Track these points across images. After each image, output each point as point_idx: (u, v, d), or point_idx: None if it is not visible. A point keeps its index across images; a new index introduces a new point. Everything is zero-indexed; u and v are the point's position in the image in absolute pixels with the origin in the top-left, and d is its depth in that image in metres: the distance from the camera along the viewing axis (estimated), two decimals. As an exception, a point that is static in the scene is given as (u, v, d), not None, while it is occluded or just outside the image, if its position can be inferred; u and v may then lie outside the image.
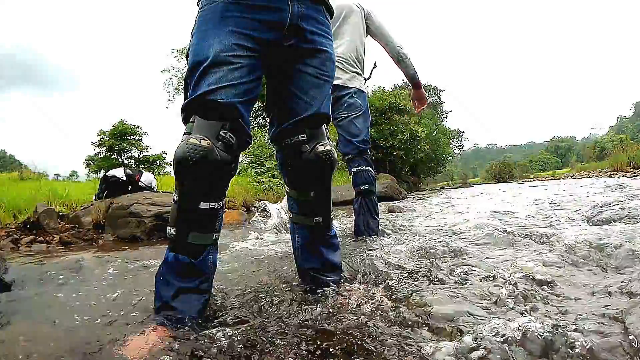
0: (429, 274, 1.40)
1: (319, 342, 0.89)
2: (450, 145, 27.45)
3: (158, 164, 17.73)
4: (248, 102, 1.07)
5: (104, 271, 1.76)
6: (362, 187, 2.17)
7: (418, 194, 11.37)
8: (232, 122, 1.02)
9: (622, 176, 10.72)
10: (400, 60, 2.37)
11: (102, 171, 13.87)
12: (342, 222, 3.12)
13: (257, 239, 2.56)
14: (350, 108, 2.24)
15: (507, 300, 1.12)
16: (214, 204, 1.02)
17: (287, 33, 1.11)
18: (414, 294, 1.18)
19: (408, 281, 1.36)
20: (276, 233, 2.86)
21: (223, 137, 1.00)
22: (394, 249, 1.83)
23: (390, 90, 20.55)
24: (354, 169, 2.19)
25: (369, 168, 2.25)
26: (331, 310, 1.06)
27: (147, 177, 4.30)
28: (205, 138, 0.98)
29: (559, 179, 16.83)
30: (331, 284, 1.22)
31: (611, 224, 2.20)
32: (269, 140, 1.52)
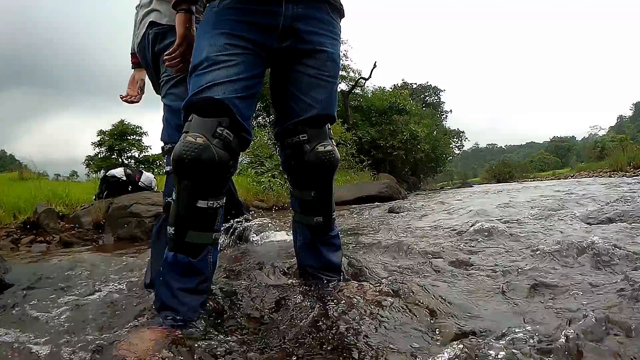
0: (428, 271, 1.41)
1: (317, 342, 0.89)
2: (450, 145, 27.45)
3: (158, 164, 17.72)
4: (246, 98, 1.06)
5: (103, 271, 1.76)
6: (169, 199, 1.24)
7: (418, 194, 11.37)
8: (230, 119, 1.02)
9: (622, 176, 10.72)
10: None
11: (102, 171, 13.87)
12: (343, 222, 3.13)
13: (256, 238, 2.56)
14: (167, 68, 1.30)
15: (506, 298, 1.12)
16: (212, 202, 1.01)
17: (280, 35, 1.11)
18: (413, 292, 1.18)
19: (407, 278, 1.36)
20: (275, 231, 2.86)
21: (220, 134, 1.00)
22: (393, 247, 1.84)
23: (391, 90, 20.58)
24: (168, 168, 1.36)
25: None
26: (330, 310, 1.06)
27: (147, 177, 4.31)
28: (202, 135, 0.98)
29: (558, 179, 16.84)
30: (330, 283, 1.23)
31: (610, 223, 2.20)
32: (274, 138, 1.47)
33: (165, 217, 1.32)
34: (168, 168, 1.36)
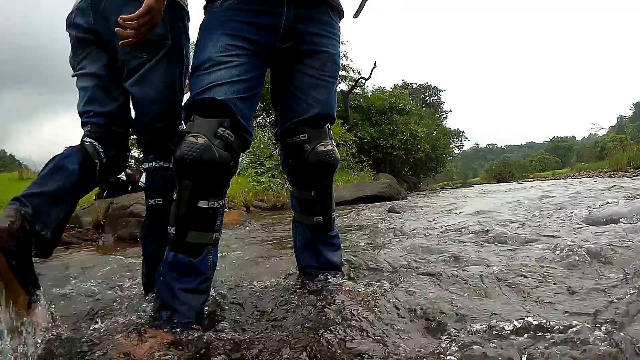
0: (425, 271, 1.41)
1: (316, 344, 0.89)
2: (450, 145, 27.46)
3: (158, 164, 17.68)
4: (247, 99, 1.07)
5: (103, 272, 1.77)
6: (152, 202, 1.25)
7: (418, 194, 11.38)
8: (231, 119, 1.02)
9: (622, 176, 10.72)
10: None
11: (102, 171, 13.82)
12: (343, 222, 3.13)
13: (253, 240, 2.56)
14: (143, 49, 1.12)
15: (502, 297, 1.12)
16: (213, 202, 1.02)
17: (282, 36, 1.11)
18: (410, 291, 1.19)
19: (405, 278, 1.36)
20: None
21: (221, 134, 1.00)
22: (393, 247, 1.84)
23: (391, 90, 20.59)
24: (146, 165, 1.27)
25: (170, 165, 1.17)
26: (330, 311, 1.06)
27: (147, 177, 4.31)
28: (203, 136, 0.98)
29: (558, 178, 16.85)
30: (330, 283, 1.23)
31: (610, 224, 2.20)
32: (274, 138, 1.48)
33: (150, 221, 1.28)
34: (147, 165, 1.25)
